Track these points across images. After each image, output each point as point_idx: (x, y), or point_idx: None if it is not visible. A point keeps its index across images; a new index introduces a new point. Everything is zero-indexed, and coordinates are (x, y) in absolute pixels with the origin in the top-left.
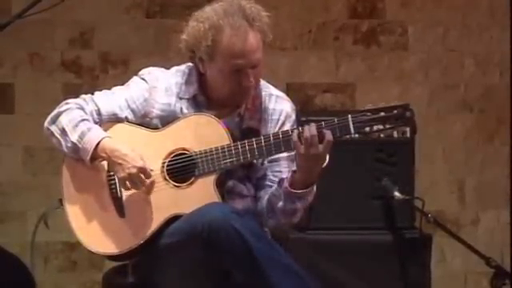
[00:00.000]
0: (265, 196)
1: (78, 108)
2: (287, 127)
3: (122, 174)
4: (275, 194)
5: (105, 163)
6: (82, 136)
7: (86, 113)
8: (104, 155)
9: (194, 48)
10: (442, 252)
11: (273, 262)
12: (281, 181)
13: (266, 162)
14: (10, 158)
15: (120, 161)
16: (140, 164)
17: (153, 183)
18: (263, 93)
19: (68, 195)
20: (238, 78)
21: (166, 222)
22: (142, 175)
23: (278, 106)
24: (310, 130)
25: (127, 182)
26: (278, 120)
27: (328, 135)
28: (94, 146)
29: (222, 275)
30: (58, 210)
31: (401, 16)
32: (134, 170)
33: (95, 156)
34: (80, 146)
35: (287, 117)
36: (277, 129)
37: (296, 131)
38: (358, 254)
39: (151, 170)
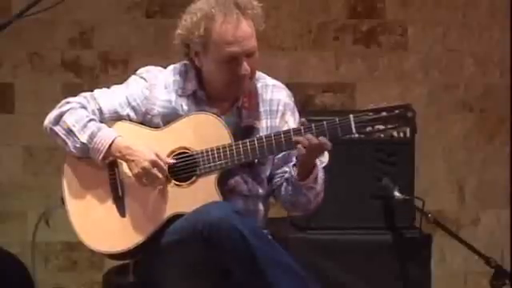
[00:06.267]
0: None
1: (81, 107)
2: (288, 116)
3: (136, 170)
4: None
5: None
6: (92, 136)
7: (89, 112)
8: (118, 154)
9: (188, 41)
10: (442, 252)
11: (273, 262)
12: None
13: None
14: (10, 157)
15: (133, 157)
16: (152, 157)
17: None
18: (259, 84)
19: (69, 194)
20: (234, 67)
21: (166, 221)
22: (156, 169)
23: (275, 96)
24: (310, 139)
25: (143, 179)
26: (278, 110)
27: (322, 139)
28: (107, 146)
29: (222, 274)
30: (59, 209)
31: (401, 16)
32: (146, 164)
33: (107, 155)
34: (90, 146)
35: (286, 105)
36: (278, 119)
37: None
38: (358, 254)
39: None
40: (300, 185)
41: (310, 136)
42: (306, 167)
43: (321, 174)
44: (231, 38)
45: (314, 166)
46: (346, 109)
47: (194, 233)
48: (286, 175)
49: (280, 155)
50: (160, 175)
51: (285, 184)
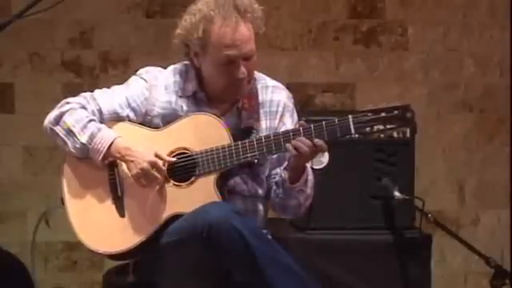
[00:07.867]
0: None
1: (81, 107)
2: (287, 117)
3: (134, 171)
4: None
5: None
6: (92, 137)
7: (88, 112)
8: (118, 155)
9: (187, 41)
10: (442, 252)
11: (273, 262)
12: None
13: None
14: (9, 157)
15: (132, 158)
16: (151, 158)
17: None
18: (259, 85)
19: (69, 194)
20: (231, 70)
21: (166, 222)
22: (155, 170)
23: (275, 97)
24: (304, 143)
25: (142, 180)
26: (277, 112)
27: (318, 142)
28: (107, 147)
29: (221, 274)
30: (59, 209)
31: (401, 16)
32: (145, 165)
33: (107, 156)
34: (90, 146)
35: (285, 107)
36: (277, 120)
37: (290, 146)
38: (358, 254)
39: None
40: (291, 188)
41: (305, 139)
42: (297, 169)
43: (311, 177)
44: (229, 41)
45: (305, 168)
46: (346, 109)
47: (193, 233)
48: (277, 178)
49: (275, 156)
50: (158, 176)
51: (274, 187)
